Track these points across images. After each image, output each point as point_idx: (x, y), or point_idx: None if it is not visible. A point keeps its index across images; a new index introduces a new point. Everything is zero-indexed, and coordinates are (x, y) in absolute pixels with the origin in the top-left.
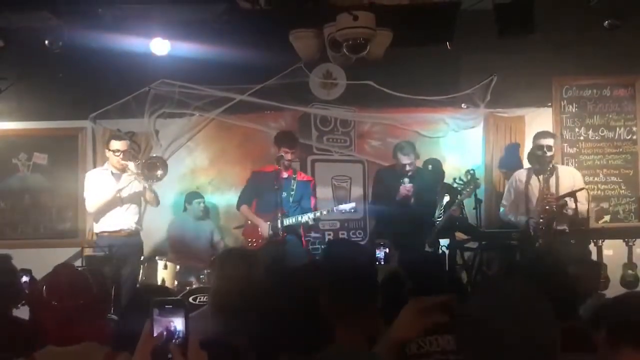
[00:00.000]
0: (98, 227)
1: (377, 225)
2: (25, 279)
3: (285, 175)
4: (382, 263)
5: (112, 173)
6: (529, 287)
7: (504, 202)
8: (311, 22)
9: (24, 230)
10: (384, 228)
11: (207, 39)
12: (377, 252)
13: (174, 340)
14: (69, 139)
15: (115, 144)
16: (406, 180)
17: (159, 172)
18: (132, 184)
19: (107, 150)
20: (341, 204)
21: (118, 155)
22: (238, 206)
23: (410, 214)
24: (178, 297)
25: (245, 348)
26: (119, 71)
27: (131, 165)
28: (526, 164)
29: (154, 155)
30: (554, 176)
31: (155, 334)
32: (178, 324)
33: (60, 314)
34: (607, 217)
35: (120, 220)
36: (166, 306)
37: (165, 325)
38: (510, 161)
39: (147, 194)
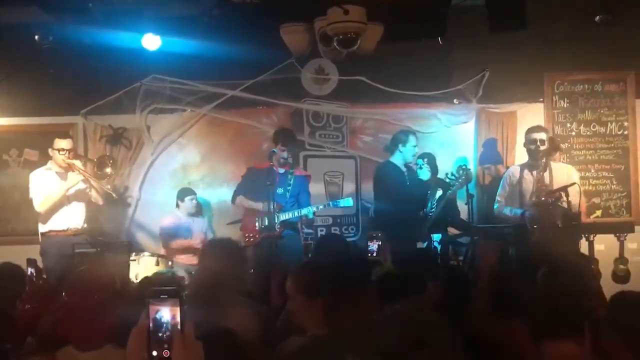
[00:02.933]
0: (45, 227)
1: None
2: (30, 269)
3: (282, 170)
4: (375, 256)
5: (56, 172)
6: None
7: (498, 197)
8: (302, 16)
9: (14, 227)
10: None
11: (198, 34)
12: (370, 244)
13: (169, 331)
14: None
15: (60, 143)
16: (420, 161)
17: (108, 170)
18: (78, 182)
19: (50, 149)
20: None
21: (63, 154)
22: (233, 199)
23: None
24: (173, 287)
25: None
26: (110, 66)
27: (78, 163)
28: (518, 159)
29: (104, 154)
30: (547, 171)
31: (150, 324)
32: (174, 313)
33: (82, 313)
34: (598, 212)
35: (67, 219)
36: (161, 296)
37: (160, 315)
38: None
39: (93, 192)
